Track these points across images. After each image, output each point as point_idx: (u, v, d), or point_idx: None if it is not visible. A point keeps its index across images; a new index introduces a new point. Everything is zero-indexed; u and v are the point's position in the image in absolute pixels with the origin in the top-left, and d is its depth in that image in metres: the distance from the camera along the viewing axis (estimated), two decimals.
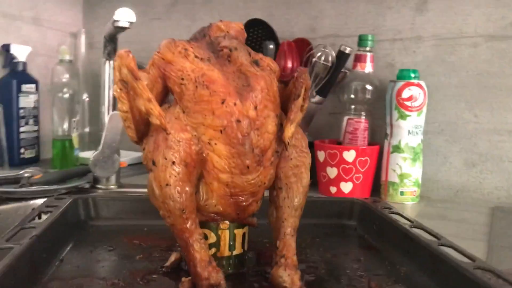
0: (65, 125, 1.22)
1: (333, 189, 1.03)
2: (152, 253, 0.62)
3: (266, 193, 0.56)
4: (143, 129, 0.53)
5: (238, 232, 0.56)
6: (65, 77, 1.23)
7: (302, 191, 0.55)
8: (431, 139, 1.07)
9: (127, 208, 0.76)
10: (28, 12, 1.35)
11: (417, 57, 1.08)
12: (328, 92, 1.08)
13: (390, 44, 1.10)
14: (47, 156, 1.33)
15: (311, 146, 1.07)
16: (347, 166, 1.01)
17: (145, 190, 0.52)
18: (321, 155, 1.04)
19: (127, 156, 1.25)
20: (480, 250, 0.72)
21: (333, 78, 1.06)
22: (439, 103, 1.06)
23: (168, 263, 0.57)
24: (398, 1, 1.09)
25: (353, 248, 0.69)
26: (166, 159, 0.49)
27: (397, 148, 1.00)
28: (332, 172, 1.03)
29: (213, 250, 0.55)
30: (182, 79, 0.50)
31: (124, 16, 0.82)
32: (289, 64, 1.08)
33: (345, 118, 1.06)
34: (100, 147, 0.96)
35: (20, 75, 1.26)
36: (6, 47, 1.25)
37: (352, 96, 1.05)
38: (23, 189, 0.93)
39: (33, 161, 1.29)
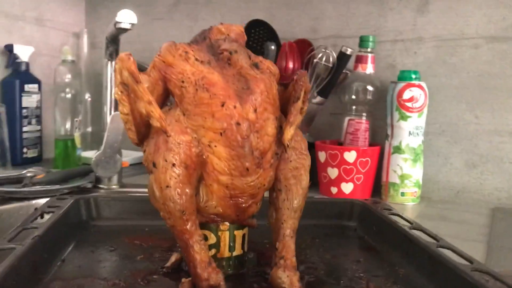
0: (68, 125, 1.23)
1: (334, 190, 1.04)
2: (153, 254, 0.63)
3: (266, 194, 0.57)
4: (144, 131, 0.54)
5: (238, 233, 0.57)
6: (68, 77, 1.24)
7: (302, 193, 0.55)
8: (432, 140, 1.07)
9: (129, 209, 0.76)
10: (31, 12, 1.36)
11: (418, 58, 1.08)
12: (329, 93, 1.08)
13: (391, 45, 1.10)
14: (50, 155, 1.33)
15: (312, 146, 1.07)
16: (348, 167, 1.02)
17: (147, 190, 0.53)
18: (322, 156, 1.05)
19: (129, 156, 1.26)
20: (479, 251, 0.73)
21: (334, 79, 1.06)
22: (440, 104, 1.06)
23: (168, 264, 0.58)
24: (400, 2, 1.09)
25: (352, 249, 0.69)
26: (166, 161, 0.49)
27: (398, 149, 1.01)
28: (333, 172, 1.03)
29: (213, 251, 0.56)
30: (183, 81, 0.50)
31: (126, 18, 0.82)
32: (291, 65, 1.09)
33: (346, 119, 1.07)
34: (102, 147, 0.97)
35: (23, 75, 1.27)
36: (9, 47, 1.26)
37: (353, 97, 1.05)
38: (26, 189, 0.94)
39: (35, 161, 1.30)
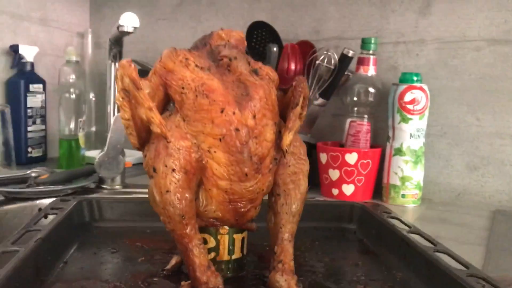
0: (72, 125, 1.24)
1: (335, 191, 1.04)
2: (153, 256, 0.64)
3: (266, 198, 0.57)
4: (144, 136, 0.54)
5: (237, 237, 0.58)
6: (72, 77, 1.25)
7: (300, 198, 0.56)
8: (433, 142, 1.07)
9: (131, 210, 0.77)
10: (36, 12, 1.37)
11: (420, 60, 1.08)
12: (331, 94, 1.09)
13: (393, 47, 1.10)
14: (54, 154, 1.35)
15: (313, 148, 1.08)
16: (349, 169, 1.02)
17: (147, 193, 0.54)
18: (323, 157, 1.05)
19: (132, 156, 1.27)
20: (478, 255, 0.73)
21: (336, 81, 1.07)
22: (442, 106, 1.06)
23: (169, 266, 0.59)
24: (402, 4, 1.09)
25: (351, 252, 0.70)
26: (166, 166, 0.50)
27: (399, 151, 1.01)
28: (334, 174, 1.04)
29: (213, 254, 0.56)
30: (183, 88, 0.51)
31: (129, 21, 0.83)
32: (293, 67, 1.09)
33: (348, 120, 1.07)
34: (105, 148, 0.98)
35: (27, 75, 1.28)
36: (14, 48, 1.27)
37: (355, 98, 1.06)
38: (30, 189, 0.95)
39: (40, 160, 1.31)
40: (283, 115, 0.55)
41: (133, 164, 1.26)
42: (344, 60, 1.05)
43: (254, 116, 0.51)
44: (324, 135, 1.15)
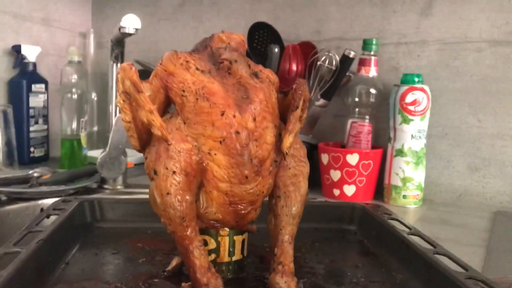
0: (74, 125, 1.24)
1: (336, 192, 1.05)
2: (154, 257, 0.64)
3: (266, 199, 0.58)
4: (145, 138, 0.55)
5: (238, 238, 0.58)
6: (74, 77, 1.25)
7: (300, 200, 0.56)
8: (434, 143, 1.08)
9: (132, 211, 0.78)
10: (38, 13, 1.37)
11: (422, 61, 1.08)
12: (333, 95, 1.09)
13: (395, 48, 1.11)
14: (56, 154, 1.35)
15: (315, 148, 1.08)
16: (350, 169, 1.03)
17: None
18: (324, 158, 1.06)
19: (133, 156, 1.27)
20: (478, 256, 0.73)
21: (337, 81, 1.07)
22: (443, 107, 1.06)
23: (169, 268, 0.59)
24: (403, 5, 1.09)
25: (351, 253, 0.70)
26: (167, 169, 0.50)
27: (400, 152, 1.01)
28: (335, 175, 1.04)
29: (213, 256, 0.57)
30: (183, 91, 0.51)
31: (130, 23, 0.84)
32: (294, 67, 1.09)
33: (349, 121, 1.07)
34: (107, 149, 0.98)
35: (30, 75, 1.29)
36: (17, 48, 1.27)
37: (356, 99, 1.06)
38: (32, 189, 0.96)
39: (42, 160, 1.32)
40: (283, 118, 0.56)
41: (135, 164, 1.26)
42: (346, 61, 1.05)
43: (254, 119, 0.51)
44: (326, 136, 1.15)
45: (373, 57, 1.05)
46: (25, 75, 1.28)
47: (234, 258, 0.58)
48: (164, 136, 0.50)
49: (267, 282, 0.55)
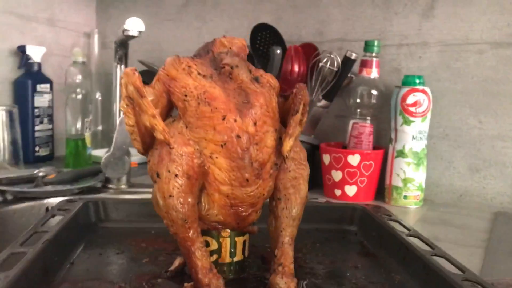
0: (78, 125, 1.25)
1: (337, 192, 1.06)
2: (157, 257, 0.65)
3: (267, 201, 0.59)
4: (149, 142, 0.56)
5: (239, 239, 0.59)
6: (78, 78, 1.26)
7: (300, 202, 0.57)
8: (435, 144, 1.08)
9: (136, 211, 0.79)
10: (43, 13, 1.39)
11: (423, 63, 1.09)
12: (334, 96, 1.10)
13: (396, 49, 1.11)
14: (61, 153, 1.36)
15: (317, 148, 1.09)
16: (352, 170, 1.04)
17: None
18: (326, 158, 1.07)
19: (137, 156, 1.28)
20: (477, 257, 0.74)
21: (339, 83, 1.08)
22: (444, 108, 1.07)
23: (172, 268, 0.60)
24: (405, 6, 1.10)
25: (351, 254, 0.71)
26: (169, 171, 0.51)
27: (401, 153, 1.02)
28: (337, 175, 1.05)
29: (215, 256, 0.58)
30: (186, 95, 0.53)
31: (134, 25, 0.85)
32: (296, 68, 1.10)
33: (351, 122, 1.08)
34: (111, 149, 0.99)
35: (35, 75, 1.30)
36: (22, 48, 1.29)
37: (358, 100, 1.07)
38: (38, 189, 0.97)
39: (47, 159, 1.33)
40: (284, 121, 0.56)
41: (138, 164, 1.27)
42: (347, 62, 1.06)
43: (255, 123, 0.52)
44: (327, 136, 1.16)
45: (374, 59, 1.05)
46: (30, 75, 1.30)
47: (235, 259, 0.59)
48: (166, 140, 0.51)
49: (268, 283, 0.56)
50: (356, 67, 1.08)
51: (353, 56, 1.05)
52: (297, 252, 0.61)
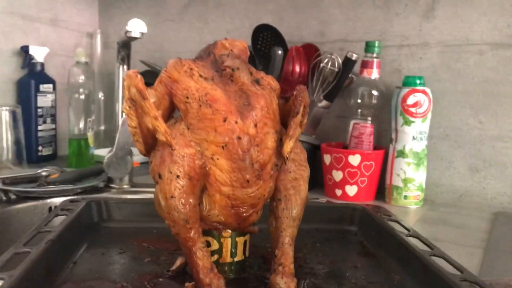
0: (81, 125, 1.26)
1: (338, 192, 1.06)
2: (159, 256, 0.66)
3: (268, 202, 0.59)
4: (151, 143, 0.57)
5: (240, 240, 0.60)
6: (81, 78, 1.27)
7: (300, 203, 0.58)
8: (436, 144, 1.09)
9: (138, 211, 0.80)
10: (46, 13, 1.40)
11: (424, 63, 1.09)
12: (335, 97, 1.10)
13: (397, 50, 1.12)
14: (64, 153, 1.37)
15: (318, 149, 1.10)
16: (352, 170, 1.04)
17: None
18: (327, 158, 1.07)
19: (139, 155, 1.29)
20: (476, 257, 0.75)
21: (340, 83, 1.08)
22: (445, 109, 1.08)
23: (174, 267, 0.61)
24: (406, 7, 1.11)
25: (351, 254, 0.71)
26: (171, 173, 0.52)
27: (401, 153, 1.03)
28: (337, 175, 1.06)
29: (216, 256, 0.59)
30: (187, 97, 0.53)
31: (136, 27, 0.85)
32: (297, 69, 1.11)
33: (352, 122, 1.09)
34: (114, 149, 1.00)
35: (38, 75, 1.31)
36: (25, 49, 1.30)
37: (359, 101, 1.07)
38: (41, 188, 0.98)
39: (50, 158, 1.34)
40: (284, 123, 0.57)
41: (141, 163, 1.28)
42: (348, 63, 1.06)
43: (255, 125, 0.53)
44: (328, 136, 1.17)
45: (375, 59, 1.06)
46: (33, 75, 1.30)
47: (236, 259, 0.60)
48: (168, 142, 0.52)
49: (268, 283, 0.56)
50: (357, 67, 1.08)
51: (354, 57, 1.05)
52: (298, 252, 0.62)
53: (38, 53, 1.30)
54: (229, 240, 0.59)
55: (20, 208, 0.94)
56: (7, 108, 1.16)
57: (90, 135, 1.27)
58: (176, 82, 0.54)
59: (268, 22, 1.22)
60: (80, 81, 1.27)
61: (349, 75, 1.10)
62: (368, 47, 1.06)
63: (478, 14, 1.04)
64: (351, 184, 1.05)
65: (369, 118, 1.07)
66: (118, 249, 0.69)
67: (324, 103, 1.10)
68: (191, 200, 0.53)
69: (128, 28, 0.86)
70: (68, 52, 1.45)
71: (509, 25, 1.01)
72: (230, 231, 0.59)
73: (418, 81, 1.02)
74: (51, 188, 0.99)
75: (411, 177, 1.02)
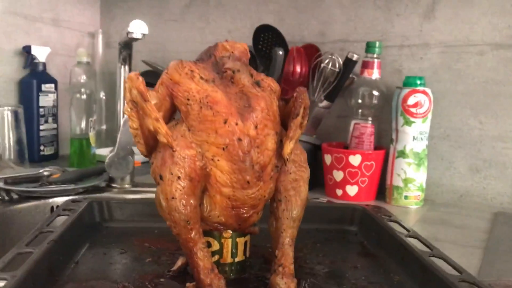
0: (83, 125, 1.27)
1: (339, 192, 1.07)
2: (160, 256, 0.66)
3: (268, 203, 0.60)
4: (152, 144, 0.57)
5: (240, 240, 0.60)
6: (83, 78, 1.28)
7: (300, 204, 0.58)
8: (436, 144, 1.09)
9: (139, 211, 0.80)
10: (48, 13, 1.40)
11: (424, 64, 1.09)
12: (336, 97, 1.11)
13: (398, 50, 1.12)
14: (66, 152, 1.38)
15: (318, 148, 1.10)
16: (353, 170, 1.04)
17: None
18: (327, 159, 1.08)
19: (140, 155, 1.30)
20: (476, 258, 0.75)
21: (341, 83, 1.09)
22: (445, 109, 1.08)
23: (175, 267, 0.61)
24: (406, 8, 1.11)
25: (351, 254, 0.72)
26: (172, 174, 0.53)
27: (402, 153, 1.03)
28: (338, 175, 1.06)
29: (217, 257, 0.59)
30: (188, 99, 0.54)
31: (138, 28, 0.86)
32: (298, 69, 1.11)
33: (352, 122, 1.09)
34: (115, 149, 1.01)
35: (40, 75, 1.32)
36: (27, 49, 1.30)
37: (359, 101, 1.08)
38: (43, 188, 0.99)
39: (52, 158, 1.35)
40: (284, 124, 0.58)
41: (142, 163, 1.29)
42: (349, 63, 1.06)
43: (256, 127, 0.53)
44: (329, 136, 1.17)
45: (376, 60, 1.06)
46: (35, 75, 1.31)
47: (236, 259, 0.60)
48: (169, 143, 0.53)
49: (268, 283, 0.57)
50: (357, 68, 1.09)
51: (355, 57, 1.06)
52: (298, 252, 0.62)
53: (40, 53, 1.31)
54: (230, 240, 0.59)
55: (22, 208, 0.94)
56: (9, 108, 1.16)
57: (91, 134, 1.28)
58: (177, 84, 0.55)
59: (269, 22, 1.22)
60: (82, 81, 1.28)
61: (350, 76, 1.10)
62: (369, 47, 1.06)
63: (478, 14, 1.04)
64: (352, 184, 1.05)
65: (370, 118, 1.08)
66: (120, 249, 0.69)
67: (325, 103, 1.11)
68: (192, 201, 0.53)
69: (129, 29, 0.86)
70: (70, 52, 1.45)
71: (510, 25, 1.01)
72: (231, 232, 0.59)
73: (418, 82, 1.02)
74: (53, 188, 0.99)
75: (412, 177, 1.02)
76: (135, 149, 1.05)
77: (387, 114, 1.07)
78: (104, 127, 1.47)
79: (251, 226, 0.60)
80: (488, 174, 1.05)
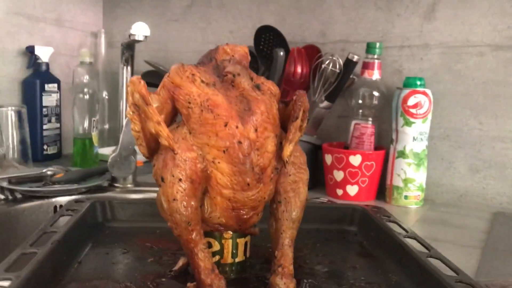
0: (86, 124, 1.28)
1: (339, 192, 1.07)
2: (162, 256, 0.67)
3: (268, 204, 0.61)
4: (154, 146, 0.58)
5: (241, 241, 0.61)
6: (86, 78, 1.28)
7: (300, 205, 0.59)
8: (436, 144, 1.10)
9: (142, 211, 0.81)
10: (51, 13, 1.41)
11: (424, 65, 1.10)
12: (336, 97, 1.11)
13: (398, 51, 1.13)
14: (69, 151, 1.39)
15: (319, 148, 1.11)
16: (353, 170, 1.05)
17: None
18: (328, 158, 1.08)
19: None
20: (474, 258, 0.76)
21: (341, 84, 1.09)
22: (445, 110, 1.08)
23: (176, 267, 0.62)
24: (407, 9, 1.11)
25: (351, 254, 0.72)
26: (173, 176, 0.54)
27: (402, 154, 1.04)
28: (338, 175, 1.07)
29: (217, 257, 0.60)
30: (189, 102, 0.55)
31: (140, 30, 0.87)
32: (299, 70, 1.12)
33: (353, 122, 1.10)
34: (118, 149, 1.02)
35: (43, 75, 1.33)
36: (31, 49, 1.31)
37: (360, 101, 1.08)
38: (46, 187, 1.00)
39: (55, 157, 1.36)
40: (284, 127, 0.58)
41: (144, 163, 1.30)
42: (349, 64, 1.07)
43: (256, 130, 0.54)
44: (330, 137, 1.18)
45: (376, 61, 1.07)
46: (39, 75, 1.32)
47: (237, 260, 0.61)
48: (170, 146, 0.54)
49: (268, 283, 0.58)
50: (358, 68, 1.09)
51: (355, 58, 1.06)
52: (298, 252, 0.63)
53: (43, 53, 1.32)
54: (230, 241, 0.60)
55: (26, 207, 0.95)
56: (13, 107, 1.17)
57: (94, 134, 1.29)
58: (179, 88, 0.55)
59: (270, 22, 1.23)
60: (85, 81, 1.29)
61: (350, 76, 1.11)
62: (369, 48, 1.07)
63: (478, 15, 1.04)
64: (352, 184, 1.06)
65: (370, 119, 1.08)
66: (122, 249, 0.70)
67: (325, 103, 1.11)
68: (192, 203, 0.54)
69: (132, 31, 0.87)
70: (73, 52, 1.46)
71: (509, 26, 1.02)
72: (231, 233, 0.60)
73: (418, 82, 1.03)
74: (56, 187, 1.00)
75: (412, 177, 1.03)
76: (137, 149, 1.07)
77: (387, 115, 1.08)
78: (106, 126, 1.49)
79: (252, 227, 0.61)
80: (487, 174, 1.06)
